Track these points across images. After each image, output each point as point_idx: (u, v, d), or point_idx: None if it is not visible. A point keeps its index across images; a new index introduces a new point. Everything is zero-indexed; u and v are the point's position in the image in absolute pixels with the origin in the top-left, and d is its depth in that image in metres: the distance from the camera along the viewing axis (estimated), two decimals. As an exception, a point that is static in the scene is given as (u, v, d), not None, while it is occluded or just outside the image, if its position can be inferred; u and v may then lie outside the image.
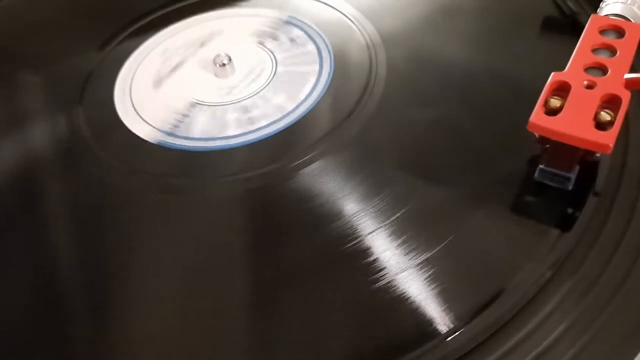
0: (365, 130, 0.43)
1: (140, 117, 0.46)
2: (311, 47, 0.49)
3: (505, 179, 0.39)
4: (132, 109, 0.47)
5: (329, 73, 0.47)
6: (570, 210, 0.36)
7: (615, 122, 0.35)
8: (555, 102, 0.36)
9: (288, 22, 0.52)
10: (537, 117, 0.35)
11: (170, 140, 0.44)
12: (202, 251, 0.38)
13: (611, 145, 0.34)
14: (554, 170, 0.36)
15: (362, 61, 0.47)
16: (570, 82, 0.36)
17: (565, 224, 0.36)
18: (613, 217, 0.37)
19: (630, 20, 0.41)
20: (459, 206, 0.38)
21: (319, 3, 0.53)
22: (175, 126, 0.45)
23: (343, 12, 0.52)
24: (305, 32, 0.51)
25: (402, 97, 0.45)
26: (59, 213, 0.41)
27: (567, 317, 0.33)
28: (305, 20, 0.52)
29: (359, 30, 0.50)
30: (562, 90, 0.36)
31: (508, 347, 0.32)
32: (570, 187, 0.36)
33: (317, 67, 0.48)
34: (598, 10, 0.43)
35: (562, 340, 0.32)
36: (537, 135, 0.36)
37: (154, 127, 0.45)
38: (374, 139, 0.43)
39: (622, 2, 0.41)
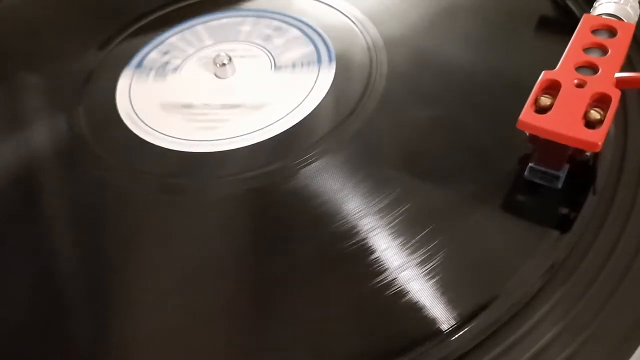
0: (365, 130, 0.44)
1: (139, 117, 0.48)
2: (312, 48, 0.51)
3: (505, 179, 0.40)
4: (132, 109, 0.49)
5: (331, 73, 0.49)
6: (569, 211, 0.38)
7: (605, 121, 0.36)
8: (545, 101, 0.38)
9: (290, 24, 0.54)
10: (526, 115, 0.37)
11: (168, 141, 0.46)
12: (202, 251, 0.40)
13: (600, 143, 0.35)
14: (543, 169, 0.38)
15: (363, 61, 0.49)
16: (561, 81, 0.38)
17: (564, 224, 0.37)
18: (611, 217, 0.38)
19: (622, 20, 0.42)
20: (459, 206, 0.40)
21: (321, 4, 0.55)
22: (173, 126, 0.47)
23: (345, 13, 0.54)
24: (306, 34, 0.53)
25: (402, 97, 0.47)
26: (59, 213, 0.43)
27: (565, 318, 0.34)
28: (307, 21, 0.54)
29: (360, 31, 0.52)
30: (552, 88, 0.38)
31: (507, 347, 0.34)
32: (559, 186, 0.38)
33: (318, 68, 0.50)
34: (591, 10, 0.44)
35: (559, 341, 0.33)
36: (527, 134, 0.38)
37: (150, 127, 0.47)
38: (374, 139, 0.44)
39: (615, 2, 0.43)
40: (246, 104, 0.48)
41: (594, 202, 0.38)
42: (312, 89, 0.48)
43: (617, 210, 0.38)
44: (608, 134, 0.37)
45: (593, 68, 0.39)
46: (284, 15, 0.55)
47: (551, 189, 0.39)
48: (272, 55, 0.52)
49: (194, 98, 0.49)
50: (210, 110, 0.48)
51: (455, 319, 0.34)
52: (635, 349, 0.33)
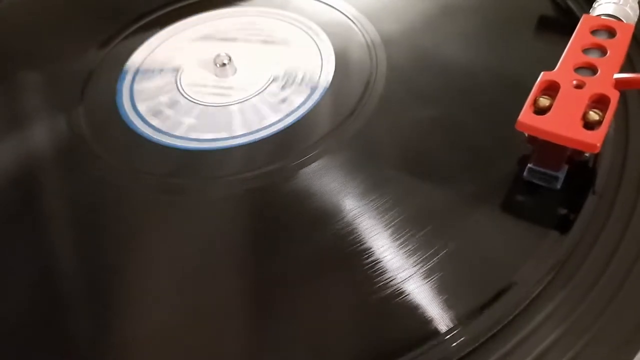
0: (365, 130, 0.45)
1: (140, 116, 0.48)
2: (312, 47, 0.52)
3: (505, 179, 0.40)
4: (133, 108, 0.49)
5: (330, 73, 0.49)
6: (569, 212, 0.38)
7: (604, 122, 0.36)
8: (544, 102, 0.38)
9: (289, 22, 0.54)
10: (525, 116, 0.37)
11: (167, 139, 0.46)
12: (202, 251, 0.40)
13: (598, 145, 0.36)
14: (542, 169, 0.38)
15: (363, 61, 0.50)
16: (560, 82, 0.38)
17: (564, 225, 0.37)
18: (612, 219, 0.38)
19: (622, 21, 0.42)
20: (459, 206, 0.40)
21: (320, 3, 0.56)
22: (174, 124, 0.47)
23: (344, 12, 0.54)
24: (305, 32, 0.53)
25: (402, 97, 0.47)
26: (59, 213, 0.43)
27: (566, 320, 0.34)
28: (306, 20, 0.54)
29: (360, 30, 0.52)
30: (551, 89, 0.38)
31: (507, 349, 0.34)
32: (558, 187, 0.38)
33: (318, 67, 0.50)
34: (590, 10, 0.44)
35: (560, 344, 0.34)
36: (526, 135, 0.38)
37: (149, 123, 0.48)
38: (374, 139, 0.45)
39: (614, 3, 0.43)
40: (246, 103, 0.48)
41: (595, 203, 0.38)
42: (312, 88, 0.48)
43: (618, 211, 0.39)
44: (608, 134, 0.38)
45: (592, 69, 0.39)
46: (282, 14, 0.55)
47: (551, 190, 0.39)
48: (272, 54, 0.52)
49: (194, 98, 0.49)
50: (210, 109, 0.48)
51: (455, 320, 0.34)
52: (637, 351, 0.33)
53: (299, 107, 0.47)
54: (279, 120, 0.46)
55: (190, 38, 0.55)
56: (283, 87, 0.49)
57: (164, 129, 0.47)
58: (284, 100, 0.48)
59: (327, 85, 0.48)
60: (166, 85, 0.51)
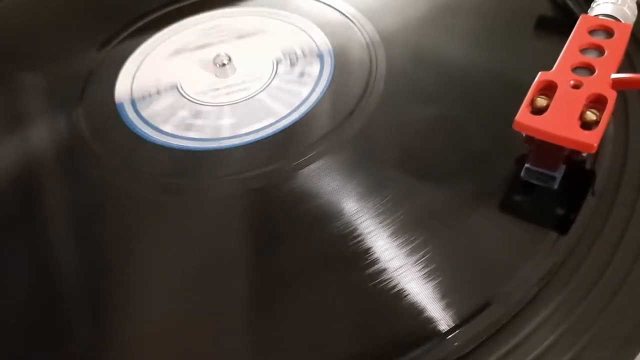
0: (365, 129, 0.45)
1: (140, 116, 0.49)
2: (311, 46, 0.52)
3: (505, 179, 0.40)
4: (132, 108, 0.49)
5: (329, 73, 0.49)
6: (569, 212, 0.38)
7: (601, 122, 0.37)
8: (541, 102, 0.38)
9: (288, 22, 0.55)
10: (522, 116, 0.37)
11: (167, 139, 0.47)
12: (202, 251, 0.40)
13: (595, 145, 0.36)
14: (539, 170, 0.38)
15: (362, 60, 0.50)
16: (557, 82, 0.39)
17: (564, 225, 0.38)
18: (613, 218, 0.38)
19: (620, 21, 0.42)
20: (458, 206, 0.40)
21: (319, 3, 0.56)
22: (214, 130, 0.47)
23: (342, 11, 0.54)
24: (305, 32, 0.53)
25: (402, 96, 0.47)
26: (58, 213, 0.44)
27: (566, 321, 0.34)
28: (305, 20, 0.54)
29: (359, 29, 0.52)
30: (549, 89, 0.39)
31: (507, 349, 0.34)
32: (555, 187, 0.38)
33: (317, 67, 0.50)
34: (589, 11, 0.45)
35: (560, 344, 0.34)
36: (524, 135, 0.38)
37: (149, 123, 0.48)
38: (374, 139, 0.45)
39: (612, 3, 0.43)
40: (246, 103, 0.48)
41: (595, 203, 0.39)
42: (312, 88, 0.48)
43: (618, 211, 0.39)
44: (606, 134, 0.38)
45: (589, 69, 0.40)
46: (282, 13, 0.56)
47: (550, 190, 0.39)
48: (272, 55, 0.52)
49: (194, 98, 0.50)
50: (211, 109, 0.48)
51: (454, 321, 0.35)
52: (637, 353, 0.33)
53: (298, 107, 0.47)
54: (279, 120, 0.46)
55: (193, 35, 0.55)
56: (284, 86, 0.49)
57: (164, 128, 0.48)
58: (301, 74, 0.49)
59: (327, 85, 0.48)
60: (176, 101, 0.50)
